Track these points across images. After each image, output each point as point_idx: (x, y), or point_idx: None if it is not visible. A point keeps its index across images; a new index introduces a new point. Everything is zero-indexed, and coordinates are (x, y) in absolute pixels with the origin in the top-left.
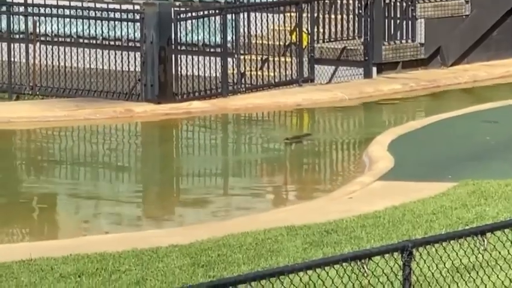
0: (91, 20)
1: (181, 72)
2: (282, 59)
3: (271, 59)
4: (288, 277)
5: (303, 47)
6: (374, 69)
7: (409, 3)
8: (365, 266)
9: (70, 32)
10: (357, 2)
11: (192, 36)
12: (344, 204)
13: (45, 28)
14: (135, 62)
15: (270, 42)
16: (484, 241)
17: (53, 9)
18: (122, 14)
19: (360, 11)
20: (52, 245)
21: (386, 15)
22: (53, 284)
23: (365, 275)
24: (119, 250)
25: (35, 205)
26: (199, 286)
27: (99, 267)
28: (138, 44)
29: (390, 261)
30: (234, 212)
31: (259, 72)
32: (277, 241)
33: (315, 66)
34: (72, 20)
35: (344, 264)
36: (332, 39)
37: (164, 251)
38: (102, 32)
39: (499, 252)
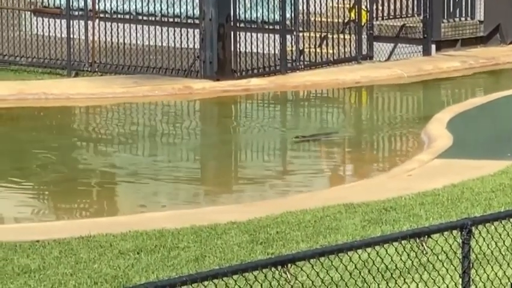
0: None
1: (239, 49)
2: (341, 36)
3: (330, 36)
4: (347, 254)
5: (362, 24)
6: (433, 46)
7: None
8: (423, 244)
9: (129, 8)
10: None
11: (251, 13)
12: (402, 182)
13: (105, 5)
14: (194, 39)
15: (328, 20)
16: None
17: None
18: None
19: None
20: (111, 221)
21: None
22: (112, 260)
23: (424, 252)
24: (177, 227)
25: (93, 182)
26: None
27: (158, 244)
28: (197, 21)
29: (449, 239)
30: (292, 189)
31: (318, 50)
32: (336, 219)
33: (374, 43)
34: None
35: (402, 241)
36: (391, 17)
37: (222, 228)
38: (161, 8)
39: None
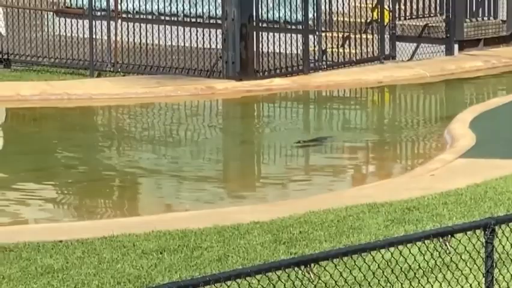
0: None
1: (262, 49)
2: (364, 36)
3: (352, 36)
4: (370, 254)
5: (385, 24)
6: (456, 46)
7: None
8: (447, 243)
9: (152, 9)
10: None
11: (273, 13)
12: (425, 181)
13: (127, 5)
14: (216, 39)
15: (351, 19)
16: None
17: None
18: None
19: None
20: (134, 221)
21: None
22: (135, 260)
23: (447, 252)
24: (201, 227)
25: (116, 182)
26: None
27: (181, 243)
28: (219, 21)
29: (472, 238)
30: (315, 189)
31: (341, 50)
32: (359, 218)
33: (397, 43)
34: None
35: (425, 241)
36: (413, 16)
37: (245, 227)
38: (183, 9)
39: None
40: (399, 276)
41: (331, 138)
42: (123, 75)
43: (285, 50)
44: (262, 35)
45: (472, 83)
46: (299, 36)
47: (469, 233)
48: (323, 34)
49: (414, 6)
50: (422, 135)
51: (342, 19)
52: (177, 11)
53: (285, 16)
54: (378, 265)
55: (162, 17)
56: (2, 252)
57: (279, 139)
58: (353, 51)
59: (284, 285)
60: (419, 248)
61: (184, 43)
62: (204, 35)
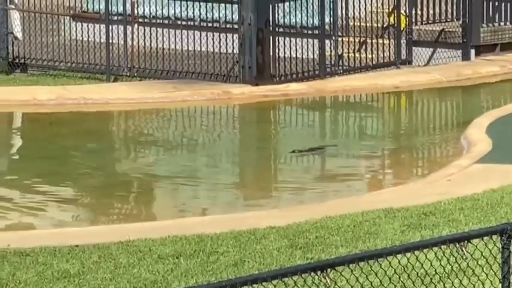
0: (189, 2)
1: (278, 54)
2: (380, 41)
3: (369, 41)
4: (387, 259)
5: (401, 29)
6: (472, 51)
7: None
8: (463, 249)
9: (168, 13)
10: None
11: (290, 18)
12: (442, 186)
13: (144, 10)
14: (233, 44)
15: (368, 24)
16: None
17: None
18: None
19: None
20: (150, 226)
21: None
22: (151, 265)
23: (464, 257)
24: (217, 232)
25: (132, 186)
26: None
27: (197, 248)
28: (236, 26)
29: (488, 244)
30: (331, 194)
31: (357, 54)
32: (375, 223)
33: (413, 48)
34: (170, 1)
35: (442, 246)
36: (430, 21)
37: (262, 232)
38: (200, 13)
39: None
40: (416, 282)
41: (328, 148)
42: (139, 80)
43: (302, 55)
44: (278, 39)
45: (488, 88)
46: (316, 41)
47: (485, 238)
48: (340, 39)
49: (431, 11)
50: (438, 141)
51: (358, 24)
52: (194, 16)
53: (301, 21)
54: (395, 270)
55: (179, 22)
56: (18, 256)
57: (295, 144)
58: (370, 56)
59: None
60: (435, 254)
61: (201, 48)
62: (220, 39)
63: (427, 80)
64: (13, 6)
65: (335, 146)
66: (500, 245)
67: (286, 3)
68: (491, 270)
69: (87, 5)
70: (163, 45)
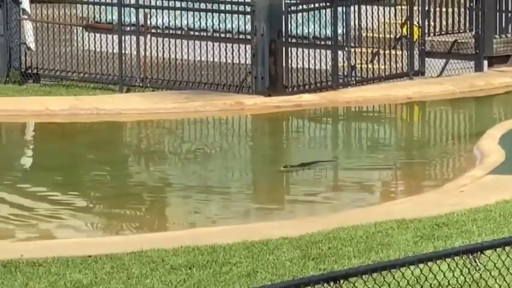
0: (201, 13)
1: (291, 64)
2: (393, 52)
3: (381, 51)
4: (400, 270)
5: (414, 39)
6: (485, 62)
7: None
8: (476, 260)
9: (181, 24)
10: None
11: (303, 28)
12: (454, 197)
13: (156, 20)
14: (245, 55)
15: (380, 35)
16: None
17: (164, 1)
18: (233, 6)
19: (472, 4)
20: (163, 236)
21: (498, 8)
22: (164, 275)
23: (477, 268)
24: (229, 242)
25: (145, 197)
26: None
27: (209, 259)
28: (249, 37)
29: (502, 255)
30: (344, 205)
31: (370, 65)
32: (388, 234)
33: (426, 59)
34: (183, 12)
35: (455, 257)
36: (442, 32)
37: (274, 243)
38: (213, 24)
39: None
40: None
41: (325, 163)
42: (152, 91)
43: (314, 66)
44: (291, 50)
45: (501, 99)
46: (328, 51)
47: (498, 249)
48: (352, 50)
49: (444, 22)
50: (451, 151)
51: (371, 35)
52: (206, 27)
53: (314, 32)
54: (408, 281)
55: (191, 32)
56: (31, 267)
57: (307, 154)
58: (382, 67)
59: None
60: (448, 265)
61: (213, 58)
62: (233, 50)
63: (440, 91)
64: (26, 17)
65: (333, 161)
66: None
67: (299, 14)
68: (504, 282)
69: (100, 16)
70: (175, 56)
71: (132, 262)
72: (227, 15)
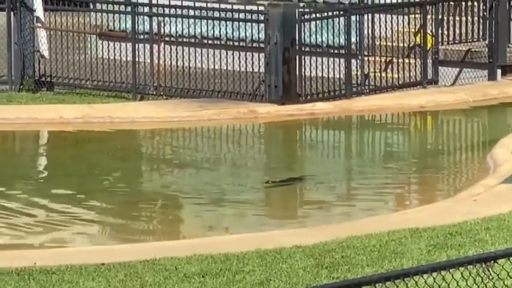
0: (215, 21)
1: (304, 73)
2: (406, 60)
3: (395, 60)
4: (413, 279)
5: (428, 48)
6: (499, 71)
7: None
8: (489, 269)
9: (194, 32)
10: (481, 4)
11: (316, 37)
12: (468, 206)
13: (170, 28)
14: (259, 63)
15: (394, 44)
16: None
17: (177, 9)
18: (247, 14)
19: (485, 13)
20: (176, 244)
21: (511, 17)
22: (177, 284)
23: (490, 277)
24: (243, 250)
25: (158, 205)
26: None
27: (223, 267)
28: (262, 45)
29: None
30: (357, 213)
31: (383, 74)
32: (401, 243)
33: (439, 68)
34: (196, 20)
35: (468, 266)
36: (456, 41)
37: (288, 251)
38: (226, 32)
39: None
40: None
41: (301, 180)
42: (166, 99)
43: (328, 74)
44: (304, 59)
45: None
46: (342, 60)
47: (511, 258)
48: (366, 58)
49: (457, 31)
50: (464, 160)
51: (384, 43)
52: (220, 35)
53: (327, 40)
54: None
55: (205, 41)
56: (44, 274)
57: (321, 163)
58: (396, 75)
59: None
60: (461, 273)
61: (227, 67)
62: (246, 58)
63: (453, 99)
64: (40, 25)
65: (302, 178)
66: None
67: (313, 23)
68: None
69: (113, 24)
70: (189, 64)
71: (145, 270)
72: (241, 23)
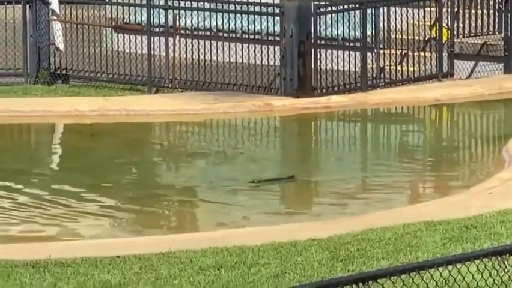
0: (230, 14)
1: (320, 66)
2: (422, 53)
3: (410, 53)
4: (428, 272)
5: (443, 41)
6: None
7: None
8: (505, 262)
9: (210, 25)
10: None
11: (332, 30)
12: (483, 199)
13: (185, 21)
14: (274, 56)
15: (409, 37)
16: None
17: (193, 2)
18: (262, 7)
19: (501, 6)
20: (191, 237)
21: None
22: (192, 276)
23: (505, 270)
24: (258, 243)
25: (174, 198)
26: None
27: (238, 260)
28: (277, 38)
29: None
30: (372, 206)
31: (399, 67)
32: (417, 236)
33: (455, 61)
34: (212, 13)
35: (484, 259)
36: (472, 34)
37: (303, 244)
38: (242, 25)
39: None
40: None
41: (288, 179)
42: (181, 92)
43: (343, 67)
44: (320, 52)
45: None
46: (357, 53)
47: None
48: (381, 51)
49: (473, 24)
50: (480, 153)
51: (400, 36)
52: (235, 28)
53: (343, 33)
54: (436, 283)
55: (220, 34)
56: (59, 267)
57: (336, 156)
58: (411, 68)
59: None
60: (477, 266)
61: (242, 60)
62: (262, 51)
63: (469, 93)
64: (55, 18)
65: (293, 177)
66: None
67: (328, 16)
68: None
69: (129, 17)
70: (204, 57)
71: (161, 263)
72: (256, 16)
